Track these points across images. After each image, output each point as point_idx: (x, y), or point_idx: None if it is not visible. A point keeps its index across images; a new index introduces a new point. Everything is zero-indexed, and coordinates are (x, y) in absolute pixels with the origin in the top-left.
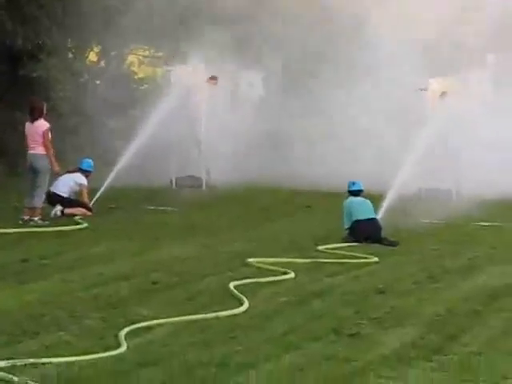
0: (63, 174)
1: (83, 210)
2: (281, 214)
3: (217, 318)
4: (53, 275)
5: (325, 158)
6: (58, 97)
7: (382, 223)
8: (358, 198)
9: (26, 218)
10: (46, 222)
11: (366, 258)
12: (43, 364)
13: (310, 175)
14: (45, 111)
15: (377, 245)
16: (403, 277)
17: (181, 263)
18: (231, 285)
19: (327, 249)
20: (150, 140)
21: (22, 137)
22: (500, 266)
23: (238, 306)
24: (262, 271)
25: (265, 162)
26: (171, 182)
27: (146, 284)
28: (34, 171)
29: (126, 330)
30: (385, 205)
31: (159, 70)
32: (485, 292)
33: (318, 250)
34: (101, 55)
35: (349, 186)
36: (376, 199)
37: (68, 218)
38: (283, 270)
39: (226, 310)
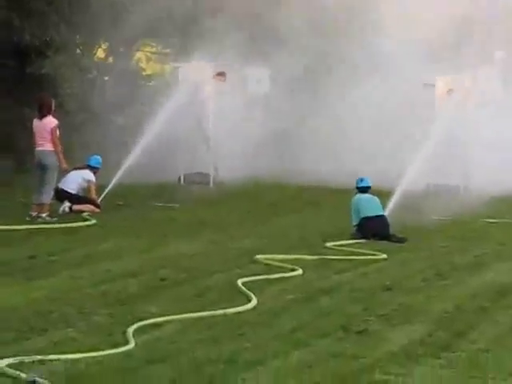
0: (71, 170)
1: (91, 207)
2: (289, 211)
3: (225, 314)
4: (61, 272)
5: (333, 154)
6: (66, 93)
7: (390, 220)
8: (366, 195)
9: (34, 214)
10: (54, 219)
11: (374, 254)
12: (51, 361)
13: (318, 172)
14: (53, 108)
15: (385, 241)
16: (411, 274)
17: (189, 260)
18: (239, 281)
19: (335, 245)
20: (157, 137)
21: (30, 133)
22: (508, 263)
23: (246, 303)
24: (270, 268)
25: (272, 159)
26: (179, 178)
27: (154, 281)
28: (42, 168)
29: (134, 326)
30: (393, 201)
31: (167, 67)
32: (493, 289)
33: (326, 247)
34: (108, 52)
35: (357, 183)
36: (384, 196)
37: (76, 215)
38: (291, 266)
39: (234, 306)
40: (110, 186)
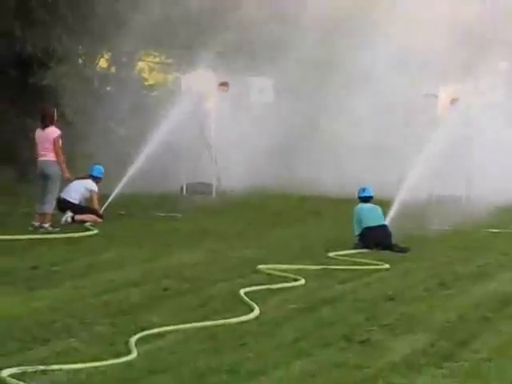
0: (73, 180)
1: (93, 217)
2: (291, 220)
3: (227, 324)
4: (63, 282)
5: (335, 163)
6: (68, 103)
7: (392, 230)
8: (368, 205)
9: (37, 224)
10: (57, 229)
11: (376, 264)
12: (53, 371)
13: (321, 181)
14: (56, 118)
15: (387, 251)
16: (414, 283)
17: (191, 269)
18: (241, 291)
19: (338, 255)
20: (160, 146)
21: (33, 144)
22: (511, 273)
23: (249, 313)
24: (272, 278)
25: (275, 168)
26: (182, 188)
27: (157, 290)
28: (45, 178)
29: (137, 336)
30: (395, 211)
31: (170, 77)
32: (496, 298)
33: (328, 257)
34: (111, 62)
35: (359, 193)
36: (386, 205)
37: (78, 225)
38: (294, 276)
39: (236, 316)
40: (112, 196)
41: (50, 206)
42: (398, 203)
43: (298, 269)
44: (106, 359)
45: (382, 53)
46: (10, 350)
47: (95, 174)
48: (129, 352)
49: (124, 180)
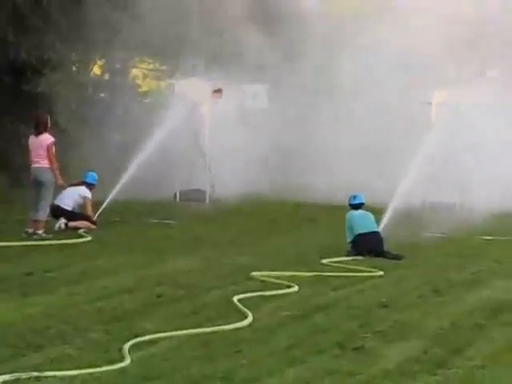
0: (67, 187)
1: (87, 224)
2: (285, 227)
3: (221, 331)
4: (57, 288)
5: (329, 170)
6: (62, 110)
7: (385, 237)
8: (359, 212)
9: (30, 231)
10: (50, 236)
11: (370, 271)
12: (47, 377)
13: (315, 188)
14: (49, 125)
15: (381, 258)
16: (408, 290)
17: (185, 276)
18: (235, 298)
19: (331, 262)
20: (154, 153)
21: (26, 150)
22: (504, 280)
23: (242, 320)
24: (266, 285)
25: (269, 175)
26: (175, 195)
27: (151, 297)
28: (39, 184)
29: (130, 343)
30: (388, 218)
31: (163, 84)
32: (489, 306)
33: (322, 264)
34: (105, 68)
35: (350, 200)
36: (379, 212)
37: (72, 231)
38: (287, 283)
39: (230, 323)
40: (106, 203)
41: (43, 213)
42: (391, 210)
43: (292, 275)
44: (100, 366)
45: (374, 58)
46: (3, 357)
47: (89, 180)
48: (123, 359)
49: (118, 187)
